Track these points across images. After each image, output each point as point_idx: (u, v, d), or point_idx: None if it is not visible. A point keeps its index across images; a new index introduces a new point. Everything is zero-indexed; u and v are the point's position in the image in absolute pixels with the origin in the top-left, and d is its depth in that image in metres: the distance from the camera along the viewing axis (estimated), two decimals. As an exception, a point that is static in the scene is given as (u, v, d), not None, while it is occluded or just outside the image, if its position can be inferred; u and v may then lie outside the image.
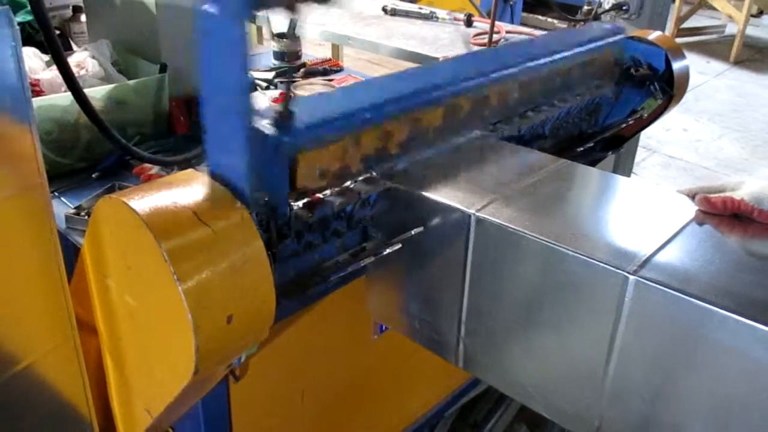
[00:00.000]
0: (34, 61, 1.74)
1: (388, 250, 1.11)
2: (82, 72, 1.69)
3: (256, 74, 2.24)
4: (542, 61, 1.45)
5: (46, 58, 1.78)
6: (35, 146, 0.84)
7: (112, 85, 1.64)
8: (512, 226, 1.00)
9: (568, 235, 0.99)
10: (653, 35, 1.87)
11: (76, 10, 2.39)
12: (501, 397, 2.16)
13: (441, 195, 1.09)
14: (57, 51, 1.15)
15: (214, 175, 0.90)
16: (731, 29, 7.35)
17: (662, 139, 4.93)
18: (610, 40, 1.70)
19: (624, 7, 2.22)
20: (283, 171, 0.97)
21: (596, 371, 0.97)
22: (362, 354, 1.57)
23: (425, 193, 1.10)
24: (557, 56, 1.49)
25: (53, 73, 1.65)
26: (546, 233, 0.99)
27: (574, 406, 1.03)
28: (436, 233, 1.10)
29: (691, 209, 1.08)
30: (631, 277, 0.90)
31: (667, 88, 1.83)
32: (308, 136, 1.00)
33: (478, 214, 1.03)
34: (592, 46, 1.62)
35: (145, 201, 0.83)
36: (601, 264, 0.93)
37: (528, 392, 1.09)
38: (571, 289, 0.97)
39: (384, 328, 1.56)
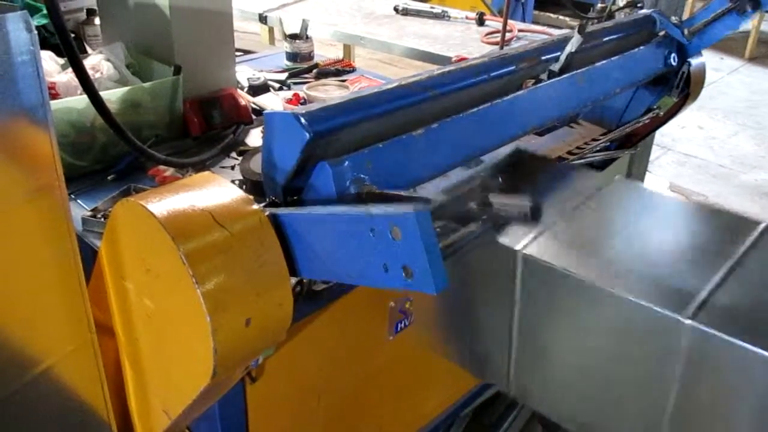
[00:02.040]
0: (50, 65, 1.75)
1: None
2: (97, 75, 1.70)
3: (268, 75, 2.24)
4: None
5: (62, 61, 1.79)
6: (53, 149, 0.84)
7: (126, 88, 1.65)
8: (560, 266, 0.97)
9: (617, 273, 0.95)
10: (669, 32, 1.85)
11: (90, 13, 2.40)
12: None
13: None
14: (73, 54, 1.15)
15: None
16: (745, 25, 7.28)
17: (677, 136, 4.89)
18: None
19: (638, 5, 2.20)
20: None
21: (652, 413, 0.94)
22: (377, 355, 1.57)
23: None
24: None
25: (69, 76, 1.66)
26: (594, 272, 0.95)
27: None
28: (481, 267, 1.09)
29: (748, 231, 1.02)
30: (687, 322, 0.85)
31: (683, 85, 1.82)
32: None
33: (524, 251, 1.01)
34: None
35: (162, 203, 0.83)
36: (655, 308, 0.88)
37: (582, 427, 1.08)
38: (623, 330, 0.94)
39: (399, 328, 1.56)
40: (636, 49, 1.64)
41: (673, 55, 1.75)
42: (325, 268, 0.86)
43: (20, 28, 0.76)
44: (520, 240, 1.03)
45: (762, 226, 1.04)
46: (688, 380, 0.89)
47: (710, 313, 0.87)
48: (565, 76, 1.39)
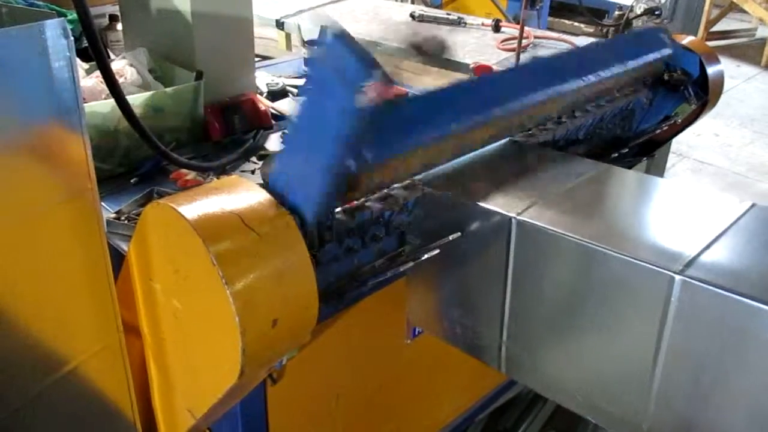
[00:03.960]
0: (75, 69, 1.77)
1: (426, 255, 1.11)
2: (121, 80, 1.72)
3: (287, 81, 2.26)
4: (591, 80, 1.45)
5: (86, 65, 1.82)
6: (86, 153, 0.86)
7: (150, 93, 1.68)
8: (554, 228, 1.00)
9: (610, 235, 0.98)
10: (686, 40, 1.85)
11: (113, 18, 2.44)
12: (531, 403, 2.15)
13: (482, 199, 1.09)
14: (102, 59, 1.18)
15: (273, 192, 0.92)
16: (762, 32, 7.24)
17: (693, 144, 4.87)
18: (660, 55, 1.69)
19: (656, 12, 2.21)
20: (340, 190, 0.99)
21: (643, 373, 0.96)
22: (395, 358, 1.58)
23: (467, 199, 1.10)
24: (607, 73, 1.48)
25: (94, 81, 1.69)
26: (587, 234, 0.98)
27: (620, 409, 1.02)
28: (476, 238, 1.11)
29: (736, 208, 1.06)
30: (678, 277, 0.89)
31: (701, 93, 1.82)
32: (376, 162, 1.02)
33: (519, 217, 1.03)
34: (642, 62, 1.62)
35: (193, 206, 0.85)
36: (646, 264, 0.92)
37: (573, 396, 1.09)
38: (615, 291, 0.96)
39: (417, 332, 1.57)
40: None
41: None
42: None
43: (58, 35, 0.78)
44: (515, 208, 1.05)
45: (748, 204, 1.08)
46: (677, 336, 0.92)
47: (698, 269, 0.90)
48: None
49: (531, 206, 1.06)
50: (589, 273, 0.99)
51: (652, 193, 1.20)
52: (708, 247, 0.96)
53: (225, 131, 1.81)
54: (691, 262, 0.91)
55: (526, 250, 1.05)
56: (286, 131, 0.95)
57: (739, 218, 1.04)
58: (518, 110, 1.28)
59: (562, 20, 6.71)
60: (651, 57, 1.67)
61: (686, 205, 1.13)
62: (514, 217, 1.04)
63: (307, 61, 0.93)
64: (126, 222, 1.40)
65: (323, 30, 0.86)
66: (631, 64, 1.58)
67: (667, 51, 1.72)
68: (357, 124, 0.84)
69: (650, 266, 0.91)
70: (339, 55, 0.81)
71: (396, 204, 1.10)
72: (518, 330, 1.12)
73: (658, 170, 2.72)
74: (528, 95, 1.29)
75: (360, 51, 0.82)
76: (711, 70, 1.81)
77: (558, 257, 1.02)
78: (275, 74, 2.31)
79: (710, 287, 0.87)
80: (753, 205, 1.08)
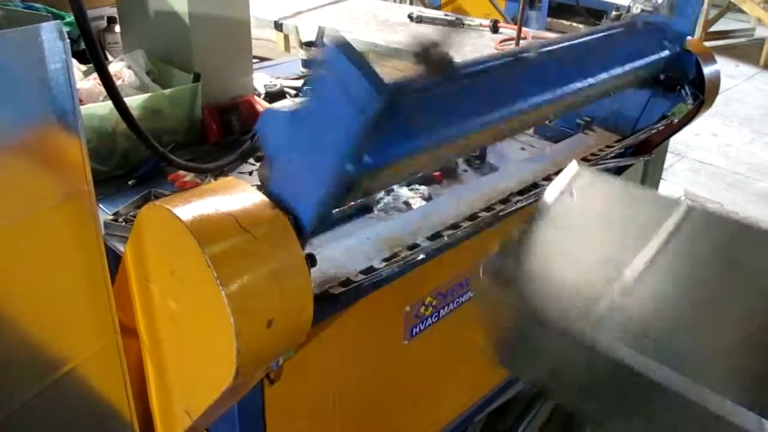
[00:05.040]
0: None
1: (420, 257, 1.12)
2: (119, 82, 1.72)
3: (285, 82, 2.27)
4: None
5: (84, 68, 1.83)
6: (83, 155, 0.87)
7: (147, 95, 1.68)
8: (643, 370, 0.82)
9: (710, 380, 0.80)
10: (683, 40, 1.86)
11: (111, 20, 2.44)
12: (530, 404, 2.16)
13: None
14: (99, 61, 1.18)
15: (273, 196, 0.91)
16: (761, 32, 7.24)
17: (691, 143, 4.87)
18: (664, 54, 1.70)
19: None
20: (339, 192, 0.96)
21: None
22: (393, 359, 1.58)
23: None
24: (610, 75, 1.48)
25: (91, 83, 1.70)
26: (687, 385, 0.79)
27: None
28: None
29: None
30: None
31: (697, 92, 1.82)
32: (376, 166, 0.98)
33: (596, 335, 0.86)
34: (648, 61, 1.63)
35: (188, 208, 0.85)
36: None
37: None
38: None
39: (414, 333, 1.57)
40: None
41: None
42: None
43: (54, 37, 0.79)
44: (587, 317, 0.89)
45: None
46: None
47: None
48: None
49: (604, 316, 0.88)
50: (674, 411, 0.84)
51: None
52: None
53: (223, 133, 1.82)
54: None
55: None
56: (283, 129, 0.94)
57: None
58: (518, 112, 1.28)
59: (561, 21, 6.72)
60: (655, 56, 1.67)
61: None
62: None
63: (307, 64, 0.93)
64: (123, 224, 1.41)
65: (322, 36, 0.85)
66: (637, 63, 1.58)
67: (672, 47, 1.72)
68: (358, 139, 0.83)
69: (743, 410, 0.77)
70: (342, 69, 0.78)
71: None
72: None
73: (657, 170, 2.72)
74: (528, 97, 1.28)
75: (363, 65, 0.79)
76: (707, 70, 1.81)
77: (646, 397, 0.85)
78: (273, 76, 2.31)
79: None
80: None
